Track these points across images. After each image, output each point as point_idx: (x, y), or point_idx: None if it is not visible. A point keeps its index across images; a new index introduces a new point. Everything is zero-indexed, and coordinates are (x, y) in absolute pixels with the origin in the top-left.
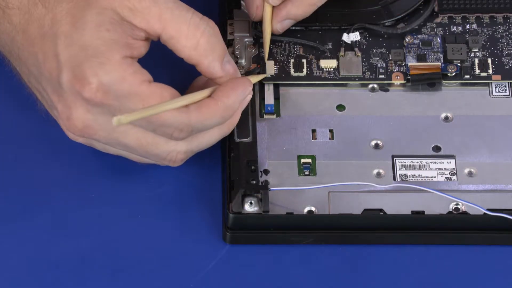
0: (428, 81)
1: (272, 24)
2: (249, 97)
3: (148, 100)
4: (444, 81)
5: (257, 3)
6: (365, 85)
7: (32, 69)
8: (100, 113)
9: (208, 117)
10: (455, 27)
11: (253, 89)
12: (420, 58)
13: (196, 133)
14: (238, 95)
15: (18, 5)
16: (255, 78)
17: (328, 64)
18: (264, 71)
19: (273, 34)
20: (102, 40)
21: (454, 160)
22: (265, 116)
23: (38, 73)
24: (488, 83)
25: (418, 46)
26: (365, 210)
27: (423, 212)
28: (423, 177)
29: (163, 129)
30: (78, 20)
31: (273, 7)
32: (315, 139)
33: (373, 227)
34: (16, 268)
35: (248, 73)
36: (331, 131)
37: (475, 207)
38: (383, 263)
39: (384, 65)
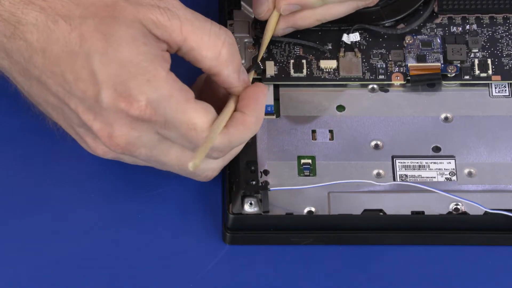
0: (428, 82)
1: (275, 29)
2: None
3: (194, 118)
4: (444, 82)
5: (269, 6)
6: (365, 86)
7: (56, 88)
8: (145, 130)
9: (246, 133)
10: (454, 27)
11: None
12: (420, 58)
13: (233, 149)
14: (264, 104)
15: (33, 21)
16: (250, 76)
17: (328, 64)
18: (258, 68)
19: (272, 35)
20: (142, 55)
21: (454, 160)
22: (265, 117)
23: (64, 92)
24: (488, 83)
25: (418, 47)
26: (365, 210)
27: (423, 212)
28: (423, 177)
29: None
30: (110, 37)
31: (280, 14)
32: (315, 139)
33: (373, 228)
34: (16, 268)
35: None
36: (331, 131)
37: (474, 207)
38: (383, 263)
39: (384, 66)
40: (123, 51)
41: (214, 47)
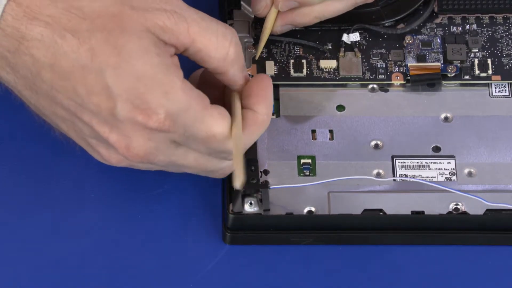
0: (428, 82)
1: (273, 26)
2: None
3: (212, 126)
4: (444, 82)
5: (267, 2)
6: (365, 86)
7: (67, 102)
8: (162, 139)
9: (259, 132)
10: (454, 27)
11: None
12: (420, 58)
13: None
14: (272, 98)
15: (39, 37)
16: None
17: (328, 64)
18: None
19: (271, 34)
20: (157, 67)
21: (454, 160)
22: None
23: (76, 105)
24: (488, 83)
25: (418, 47)
26: (365, 210)
27: (423, 212)
28: (423, 177)
29: (222, 154)
30: (121, 50)
31: (279, 11)
32: (315, 139)
33: (373, 227)
34: (16, 268)
35: None
36: (331, 131)
37: (474, 207)
38: (383, 263)
39: (384, 66)
40: (137, 64)
41: (222, 48)
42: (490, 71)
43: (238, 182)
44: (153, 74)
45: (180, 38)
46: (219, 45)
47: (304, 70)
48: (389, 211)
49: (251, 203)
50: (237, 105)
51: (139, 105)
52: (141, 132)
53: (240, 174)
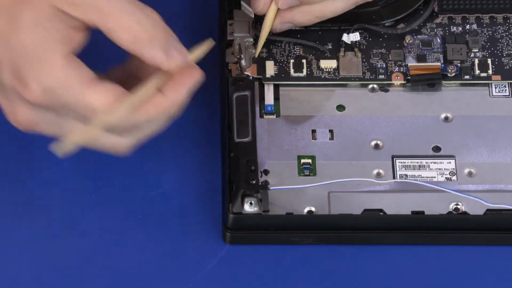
0: (428, 82)
1: (273, 23)
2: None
3: (92, 101)
4: (444, 82)
5: (266, 0)
6: (365, 86)
7: None
8: (44, 111)
9: (157, 115)
10: (455, 27)
11: (254, 90)
12: (420, 58)
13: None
14: (188, 89)
15: None
16: (200, 50)
17: (328, 64)
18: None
19: (272, 33)
20: (40, 40)
21: (454, 160)
22: (265, 117)
23: None
24: (488, 83)
25: (418, 47)
26: (365, 210)
27: (423, 212)
28: (423, 177)
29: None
30: (14, 19)
31: (279, 8)
32: (315, 139)
33: (373, 227)
34: (16, 268)
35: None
36: (331, 131)
37: (475, 207)
38: (383, 263)
39: (384, 66)
40: (22, 37)
41: (129, 29)
42: (490, 71)
43: (59, 149)
44: (34, 48)
45: (87, 12)
46: (126, 26)
47: (304, 70)
48: (389, 211)
49: (251, 203)
50: (148, 84)
51: (18, 76)
52: (23, 102)
53: (71, 143)
